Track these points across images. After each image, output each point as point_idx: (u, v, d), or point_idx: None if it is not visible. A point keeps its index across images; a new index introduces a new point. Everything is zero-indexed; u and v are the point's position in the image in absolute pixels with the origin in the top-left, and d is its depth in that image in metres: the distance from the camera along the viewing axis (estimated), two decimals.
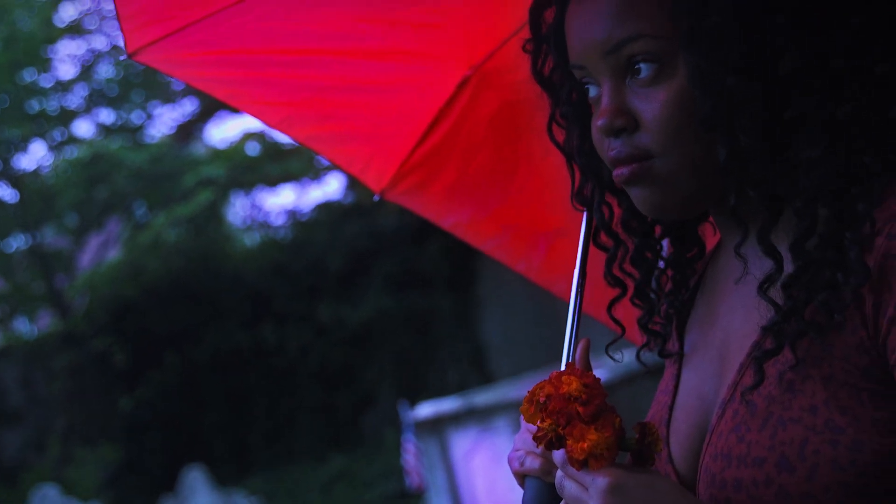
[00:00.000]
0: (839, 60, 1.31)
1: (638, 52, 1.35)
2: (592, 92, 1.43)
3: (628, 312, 1.82)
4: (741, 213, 1.36)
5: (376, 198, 2.37)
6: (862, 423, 1.24)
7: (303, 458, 13.61)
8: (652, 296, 1.61)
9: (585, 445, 1.27)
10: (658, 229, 1.60)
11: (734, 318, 1.43)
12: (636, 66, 1.36)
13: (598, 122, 1.39)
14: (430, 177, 2.31)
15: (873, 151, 1.30)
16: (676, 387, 1.52)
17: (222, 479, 12.67)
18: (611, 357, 1.72)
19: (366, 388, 13.88)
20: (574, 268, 2.24)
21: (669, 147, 1.35)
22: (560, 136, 1.61)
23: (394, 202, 2.39)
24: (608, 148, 1.40)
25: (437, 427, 7.71)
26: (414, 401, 9.44)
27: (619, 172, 1.39)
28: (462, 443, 7.54)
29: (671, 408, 1.50)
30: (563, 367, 1.49)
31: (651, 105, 1.35)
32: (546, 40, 1.53)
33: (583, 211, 1.64)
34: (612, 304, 1.64)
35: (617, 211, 1.59)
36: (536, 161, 2.24)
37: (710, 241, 1.64)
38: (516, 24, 2.00)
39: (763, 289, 1.32)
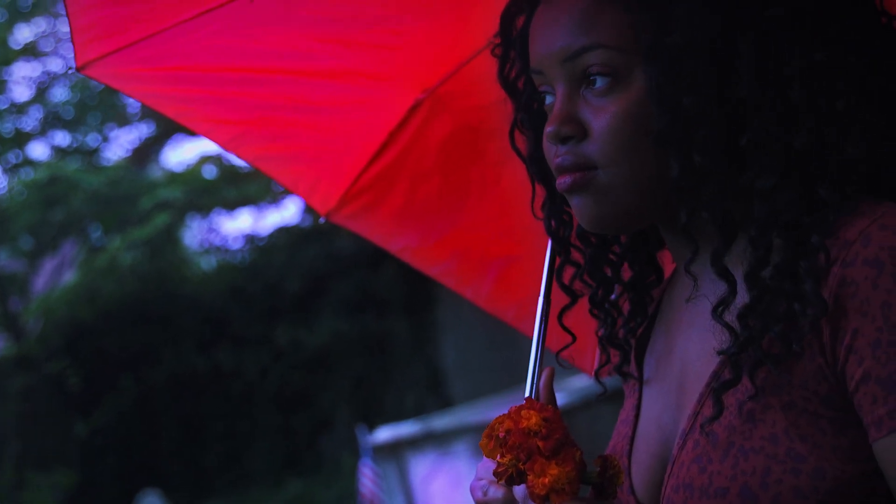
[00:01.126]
0: (798, 92, 1.32)
1: (594, 63, 1.36)
2: (548, 100, 1.43)
3: (583, 345, 1.82)
4: (692, 232, 1.36)
5: (322, 220, 2.35)
6: (823, 451, 1.25)
7: (260, 482, 13.48)
8: (610, 310, 1.61)
9: (546, 480, 1.28)
10: (616, 248, 1.60)
11: (690, 345, 1.44)
12: (591, 77, 1.37)
13: (547, 129, 1.39)
14: (378, 200, 2.29)
15: (828, 183, 1.31)
16: (637, 417, 1.52)
17: (179, 503, 12.54)
18: (560, 364, 1.70)
19: (323, 412, 13.79)
20: (526, 295, 2.25)
21: (614, 159, 1.35)
22: (522, 144, 1.61)
23: (340, 225, 2.37)
24: (554, 155, 1.40)
25: (395, 451, 7.69)
26: (372, 424, 9.40)
27: (562, 181, 1.39)
28: (421, 467, 7.53)
29: (632, 438, 1.50)
30: (527, 395, 1.50)
31: (602, 116, 1.36)
32: (513, 45, 1.54)
33: (541, 219, 1.64)
34: (563, 312, 1.63)
35: (575, 222, 1.59)
36: (488, 188, 2.23)
37: (669, 269, 1.65)
38: (472, 49, 2.00)
39: (717, 312, 1.33)
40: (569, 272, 1.62)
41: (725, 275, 1.33)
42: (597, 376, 1.68)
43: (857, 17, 1.38)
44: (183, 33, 1.85)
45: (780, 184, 1.31)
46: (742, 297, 1.34)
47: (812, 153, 1.32)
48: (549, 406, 1.36)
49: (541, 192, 1.61)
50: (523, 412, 1.33)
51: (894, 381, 1.21)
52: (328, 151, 2.28)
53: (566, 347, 1.66)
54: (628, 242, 1.61)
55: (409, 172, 2.26)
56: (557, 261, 1.63)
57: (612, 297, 1.62)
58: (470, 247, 2.36)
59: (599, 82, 1.36)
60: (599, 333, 1.63)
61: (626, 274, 1.63)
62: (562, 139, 1.38)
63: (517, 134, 1.62)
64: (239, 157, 2.27)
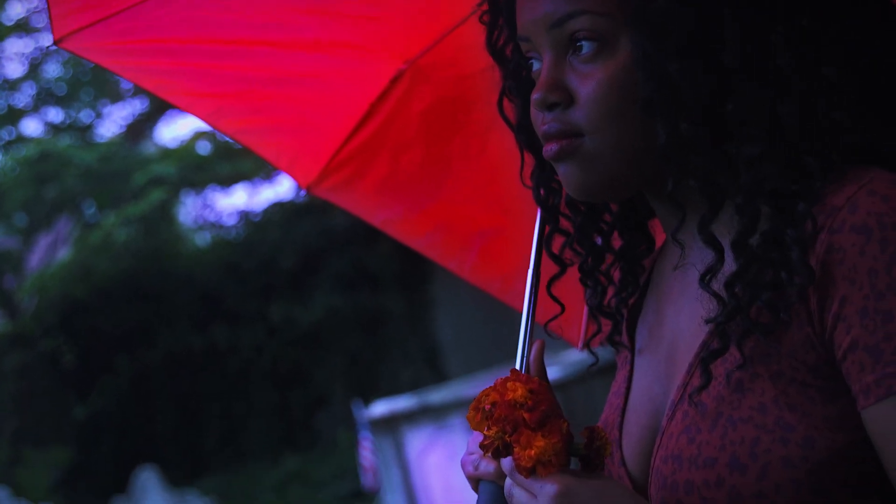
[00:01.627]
0: (785, 59, 1.31)
1: (580, 28, 1.34)
2: (535, 66, 1.42)
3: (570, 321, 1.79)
4: (679, 199, 1.35)
5: (302, 193, 2.35)
6: (812, 420, 1.24)
7: (256, 459, 13.55)
8: (600, 279, 1.59)
9: (532, 452, 1.26)
10: (607, 217, 1.58)
11: (681, 316, 1.43)
12: (578, 43, 1.35)
13: (533, 96, 1.37)
14: (360, 172, 2.27)
15: (815, 152, 1.30)
16: (628, 388, 1.51)
17: (175, 480, 12.59)
18: (549, 334, 1.69)
19: (319, 388, 13.84)
20: (511, 267, 2.23)
21: (601, 126, 1.34)
22: (511, 112, 1.59)
23: (321, 198, 2.35)
24: (541, 122, 1.39)
25: (391, 425, 7.71)
26: (367, 400, 9.43)
27: (549, 148, 1.37)
28: (417, 441, 7.54)
29: (623, 410, 1.49)
30: (516, 367, 1.49)
31: (588, 82, 1.34)
32: (501, 12, 1.52)
33: (530, 188, 1.61)
34: (552, 281, 1.61)
35: (564, 191, 1.56)
36: (472, 159, 2.21)
37: (661, 239, 1.63)
38: (455, 19, 1.98)
39: (705, 280, 1.32)
40: (558, 242, 1.61)
41: (713, 242, 1.32)
42: (587, 346, 1.66)
43: None
44: (161, 5, 1.82)
45: (767, 152, 1.30)
46: (730, 266, 1.33)
47: (798, 121, 1.30)
48: (535, 378, 1.34)
49: (529, 160, 1.59)
50: (509, 384, 1.31)
51: (882, 349, 1.20)
52: (309, 124, 2.26)
53: (554, 318, 1.64)
54: (619, 211, 1.59)
55: (391, 144, 2.23)
56: (546, 230, 1.61)
57: (603, 267, 1.60)
58: (454, 218, 2.33)
59: (586, 48, 1.34)
60: (589, 302, 1.61)
61: (617, 243, 1.62)
62: (548, 106, 1.36)
63: (505, 102, 1.60)
64: (219, 130, 2.26)
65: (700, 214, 1.34)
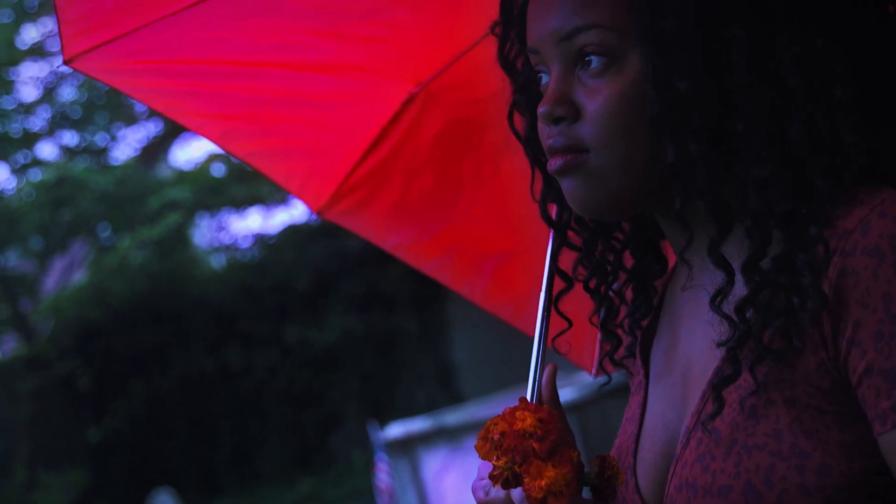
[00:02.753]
0: (794, 78, 1.30)
1: (589, 43, 1.33)
2: (544, 80, 1.41)
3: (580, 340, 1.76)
4: (686, 219, 1.33)
5: (314, 217, 2.34)
6: (828, 447, 1.23)
7: (271, 481, 13.50)
8: (610, 298, 1.58)
9: (543, 483, 1.25)
10: (619, 235, 1.57)
11: (693, 339, 1.42)
12: (587, 57, 1.34)
13: (540, 109, 1.36)
14: (371, 196, 2.26)
15: (825, 172, 1.28)
16: (643, 414, 1.49)
17: (190, 502, 12.55)
18: (557, 351, 1.67)
19: (333, 409, 13.80)
20: (523, 291, 2.21)
21: (607, 142, 1.32)
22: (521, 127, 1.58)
23: (332, 222, 2.33)
24: (546, 136, 1.38)
25: (407, 447, 7.69)
26: (382, 421, 9.40)
27: (553, 162, 1.36)
28: (432, 463, 7.52)
29: (637, 436, 1.47)
30: (528, 392, 1.47)
31: (596, 98, 1.33)
32: (513, 24, 1.51)
33: (539, 203, 1.60)
34: (559, 297, 1.60)
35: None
36: (484, 182, 2.20)
37: (673, 260, 1.61)
38: (466, 42, 1.98)
39: (716, 303, 1.30)
40: (568, 260, 1.60)
41: (723, 264, 1.30)
42: (601, 366, 1.64)
43: (857, 3, 1.36)
44: (172, 26, 1.82)
45: (776, 173, 1.28)
46: (740, 289, 1.32)
47: (808, 141, 1.29)
48: (544, 406, 1.32)
49: (537, 176, 1.58)
50: (517, 413, 1.30)
51: None
52: (320, 147, 2.24)
53: (562, 333, 1.63)
54: (630, 230, 1.58)
55: (403, 168, 2.22)
56: (559, 250, 1.60)
57: (614, 286, 1.59)
58: (466, 242, 2.32)
59: (594, 63, 1.34)
60: (595, 320, 1.60)
61: (629, 263, 1.60)
62: (554, 120, 1.35)
63: (516, 117, 1.59)
64: (230, 153, 2.24)
65: (709, 235, 1.33)
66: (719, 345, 1.31)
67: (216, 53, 1.98)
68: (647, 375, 1.52)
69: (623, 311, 1.60)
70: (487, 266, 2.32)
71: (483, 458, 1.32)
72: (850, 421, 1.23)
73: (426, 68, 2.07)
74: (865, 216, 1.23)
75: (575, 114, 1.35)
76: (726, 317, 1.30)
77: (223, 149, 2.21)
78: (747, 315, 1.29)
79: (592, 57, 1.34)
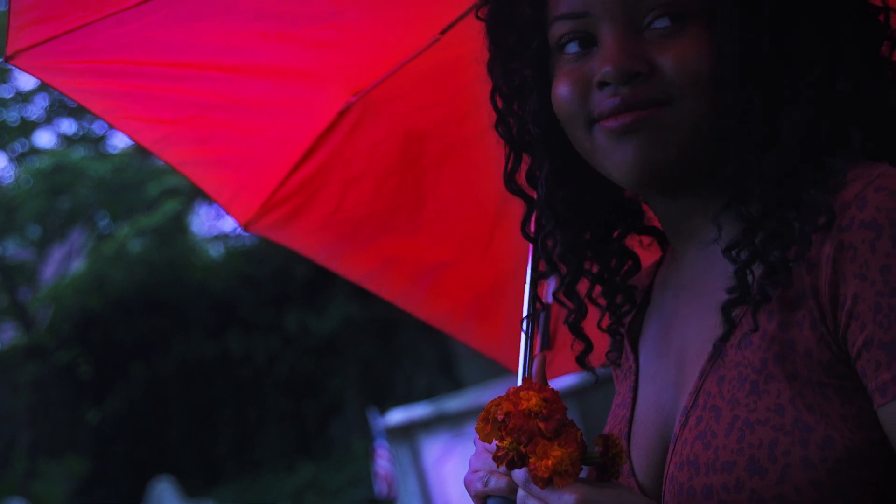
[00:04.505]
0: (848, 41, 1.33)
1: (666, 2, 1.33)
2: (571, 48, 1.39)
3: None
4: (735, 181, 1.34)
5: (240, 231, 2.27)
6: (831, 420, 1.23)
7: (271, 468, 13.53)
8: (585, 299, 1.58)
9: (549, 462, 1.24)
10: (588, 236, 1.56)
11: (690, 326, 1.42)
12: (654, 16, 1.34)
13: (605, 68, 1.33)
14: (302, 208, 2.23)
15: (856, 129, 1.31)
16: (634, 399, 1.49)
17: (190, 490, 12.57)
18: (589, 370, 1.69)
19: (333, 397, 13.83)
20: (460, 302, 2.18)
21: (692, 93, 1.32)
22: (504, 116, 1.54)
23: (259, 235, 2.30)
24: (602, 99, 1.35)
25: (408, 433, 7.70)
26: (382, 408, 9.41)
27: (621, 120, 1.34)
28: (433, 449, 7.53)
29: (630, 420, 1.48)
30: (520, 382, 1.47)
31: (670, 52, 1.32)
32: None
33: (515, 194, 1.58)
34: (536, 281, 1.61)
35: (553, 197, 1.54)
36: (424, 192, 2.18)
37: (646, 259, 1.63)
38: (411, 51, 1.95)
39: (731, 253, 1.32)
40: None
41: (748, 216, 1.33)
42: (582, 364, 1.63)
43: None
44: (118, 24, 1.77)
45: (812, 126, 1.32)
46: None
47: (853, 100, 1.32)
48: (548, 387, 1.32)
49: (495, 164, 1.56)
50: (522, 393, 1.29)
51: None
52: (253, 156, 2.20)
53: (586, 354, 1.63)
54: (598, 232, 1.57)
55: (338, 179, 2.19)
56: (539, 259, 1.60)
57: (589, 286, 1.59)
58: (403, 253, 2.29)
59: (664, 21, 1.33)
60: (570, 320, 1.59)
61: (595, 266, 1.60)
62: (629, 76, 1.33)
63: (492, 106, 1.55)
64: (164, 160, 2.18)
65: (739, 193, 1.34)
66: (728, 290, 1.31)
67: (160, 54, 1.93)
68: (636, 361, 1.52)
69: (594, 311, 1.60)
70: (424, 277, 2.30)
71: (482, 440, 1.31)
72: (850, 393, 1.24)
73: (367, 77, 2.04)
74: (861, 191, 1.24)
75: (649, 69, 1.33)
76: (734, 259, 1.31)
77: (158, 155, 2.15)
78: (756, 239, 1.31)
79: (660, 16, 1.34)
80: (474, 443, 1.45)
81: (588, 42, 1.38)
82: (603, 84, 1.34)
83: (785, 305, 1.27)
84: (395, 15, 1.91)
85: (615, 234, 1.59)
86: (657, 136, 1.33)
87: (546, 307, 1.71)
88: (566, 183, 1.51)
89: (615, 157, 1.36)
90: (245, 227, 2.25)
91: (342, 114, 2.10)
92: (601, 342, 1.62)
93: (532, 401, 1.28)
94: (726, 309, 1.31)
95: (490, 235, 2.21)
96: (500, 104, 1.53)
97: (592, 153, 1.39)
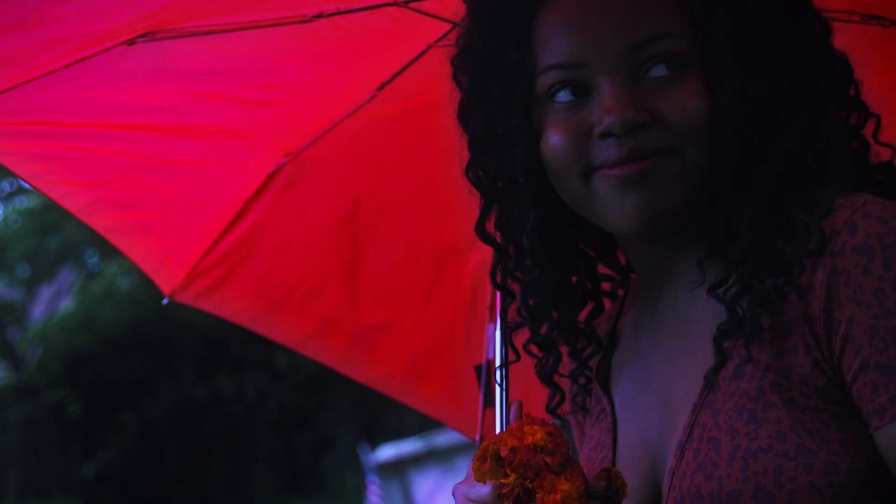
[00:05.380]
0: (829, 82, 1.38)
1: (663, 50, 1.34)
2: (562, 97, 1.38)
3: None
4: (732, 216, 1.35)
5: (165, 301, 2.21)
6: (831, 445, 1.23)
7: None
8: (552, 344, 1.57)
9: (558, 497, 1.23)
10: (559, 282, 1.54)
11: (672, 364, 1.42)
12: (654, 65, 1.34)
13: (607, 119, 1.33)
14: (231, 274, 2.19)
15: (844, 159, 1.35)
16: (615, 440, 1.48)
17: None
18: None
19: (324, 432, 13.77)
20: (399, 364, 2.17)
21: (695, 140, 1.33)
22: (481, 160, 1.51)
23: (187, 304, 2.24)
24: (604, 150, 1.34)
25: (398, 469, 7.68)
26: (374, 443, 9.38)
27: (626, 171, 1.33)
28: (424, 484, 7.51)
29: (613, 462, 1.47)
30: (497, 431, 1.46)
31: (672, 100, 1.33)
32: (503, 42, 1.44)
33: (486, 242, 1.57)
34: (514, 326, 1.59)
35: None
36: (359, 253, 2.15)
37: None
38: (345, 110, 1.93)
39: (716, 292, 1.32)
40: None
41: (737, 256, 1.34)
42: (551, 412, 1.62)
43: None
44: (53, 84, 1.73)
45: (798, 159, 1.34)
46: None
47: (839, 134, 1.37)
48: (549, 421, 1.32)
49: (466, 214, 1.56)
50: (526, 428, 1.28)
51: (894, 368, 1.19)
52: (181, 221, 2.16)
53: (558, 405, 1.63)
54: (567, 278, 1.57)
55: (269, 242, 2.15)
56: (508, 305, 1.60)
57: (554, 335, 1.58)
58: (339, 315, 2.26)
59: (663, 70, 1.34)
60: (545, 372, 1.59)
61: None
62: (633, 127, 1.33)
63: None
64: (91, 226, 2.13)
65: (696, 257, 1.37)
66: (720, 325, 1.32)
67: (90, 115, 1.89)
68: (611, 403, 1.51)
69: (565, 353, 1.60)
70: (362, 339, 2.27)
71: (480, 480, 1.29)
72: (846, 419, 1.24)
73: (299, 136, 2.02)
74: (849, 217, 1.25)
75: (651, 119, 1.33)
76: (721, 299, 1.32)
77: (85, 221, 2.09)
78: (744, 271, 1.32)
79: (657, 65, 1.34)
80: (467, 483, 1.42)
81: (581, 90, 1.37)
82: (605, 135, 1.34)
83: (776, 334, 1.27)
84: (333, 71, 1.88)
85: (575, 279, 1.59)
86: (662, 185, 1.33)
87: (488, 363, 1.70)
88: (545, 232, 1.49)
89: (618, 206, 1.35)
90: (171, 297, 2.21)
91: (272, 176, 2.06)
92: (538, 388, 1.62)
93: (537, 435, 1.27)
94: (718, 340, 1.31)
95: (428, 293, 2.18)
96: (474, 152, 1.51)
97: (588, 202, 1.38)
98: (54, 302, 15.53)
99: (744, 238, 1.32)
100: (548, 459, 1.26)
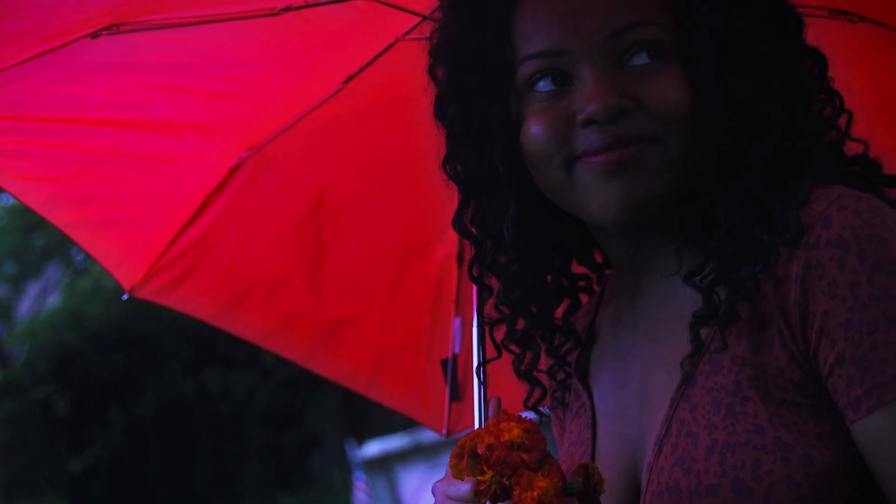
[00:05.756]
0: (809, 76, 1.39)
1: (644, 38, 1.33)
2: (543, 86, 1.37)
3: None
4: (714, 212, 1.34)
5: (125, 297, 2.19)
6: (808, 438, 1.24)
7: (252, 502, 13.43)
8: (531, 340, 1.57)
9: (535, 494, 1.23)
10: (529, 276, 1.53)
11: (649, 358, 1.42)
12: (634, 52, 1.34)
13: (590, 107, 1.32)
14: (193, 269, 2.17)
15: (825, 152, 1.35)
16: (594, 435, 1.48)
17: None
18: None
19: (312, 429, 13.75)
20: (363, 361, 2.16)
21: (678, 129, 1.32)
22: (459, 156, 1.50)
23: (147, 299, 2.22)
24: (587, 137, 1.33)
25: (385, 465, 7.68)
26: (361, 439, 9.38)
27: (609, 158, 1.32)
28: (410, 480, 7.51)
29: (592, 457, 1.47)
30: (476, 427, 1.45)
31: (654, 87, 1.33)
32: (482, 33, 1.43)
33: (464, 236, 1.55)
34: (509, 333, 1.58)
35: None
36: (323, 247, 2.13)
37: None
38: (309, 104, 1.92)
39: (692, 280, 1.33)
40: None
41: (716, 248, 1.34)
42: (530, 407, 1.62)
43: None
44: (15, 78, 1.70)
45: (779, 153, 1.34)
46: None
47: (817, 128, 1.37)
48: (527, 418, 1.31)
49: (443, 203, 1.56)
50: (503, 425, 1.27)
51: (869, 360, 1.20)
52: (142, 216, 2.13)
53: (539, 400, 1.63)
54: (543, 271, 1.56)
55: (230, 236, 2.14)
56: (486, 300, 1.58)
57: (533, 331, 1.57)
58: (303, 310, 2.24)
59: (644, 58, 1.33)
60: (522, 368, 1.58)
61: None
62: (616, 114, 1.32)
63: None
64: (52, 221, 2.11)
65: (673, 248, 1.37)
66: (695, 313, 1.32)
67: (54, 110, 1.87)
68: (590, 398, 1.51)
69: (543, 349, 1.59)
70: (326, 335, 2.25)
71: (456, 477, 1.28)
72: (822, 412, 1.24)
73: (262, 131, 2.00)
74: (825, 210, 1.25)
75: (634, 105, 1.33)
76: (698, 287, 1.32)
77: (45, 217, 2.08)
78: (718, 259, 1.33)
79: (642, 53, 1.34)
80: (446, 480, 1.41)
81: (562, 79, 1.36)
82: (588, 122, 1.33)
83: (753, 326, 1.27)
84: (301, 64, 1.86)
85: (552, 275, 1.57)
86: (645, 172, 1.33)
87: (454, 357, 1.70)
88: (525, 224, 1.48)
89: (600, 195, 1.34)
90: (131, 293, 2.18)
91: (234, 170, 2.04)
92: (514, 384, 1.61)
93: (514, 432, 1.26)
94: (694, 327, 1.31)
95: (393, 288, 2.16)
96: (452, 146, 1.50)
97: (569, 191, 1.37)
98: (41, 299, 15.49)
99: (721, 227, 1.32)
100: (525, 456, 1.25)
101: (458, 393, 1.73)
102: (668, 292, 1.41)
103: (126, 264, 2.17)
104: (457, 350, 1.60)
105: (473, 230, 1.53)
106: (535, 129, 1.37)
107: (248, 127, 1.98)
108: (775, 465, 1.24)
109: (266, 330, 2.29)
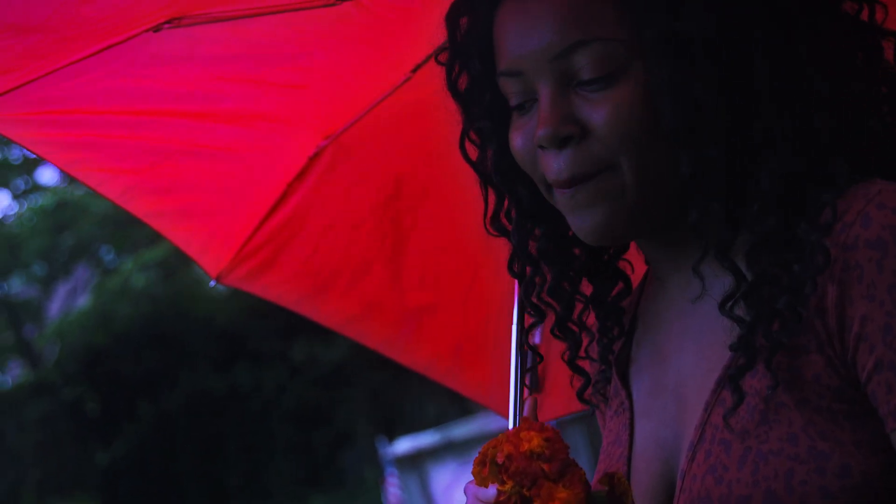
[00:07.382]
0: (819, 79, 1.27)
1: (590, 58, 1.27)
2: (516, 101, 1.35)
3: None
4: (702, 229, 1.29)
5: (213, 283, 2.22)
6: (845, 447, 1.19)
7: (282, 499, 13.51)
8: (575, 330, 1.54)
9: None
10: (576, 263, 1.52)
11: (685, 358, 1.38)
12: (585, 73, 1.28)
13: (539, 133, 1.29)
14: (275, 257, 2.19)
15: (839, 161, 1.26)
16: (631, 436, 1.44)
17: None
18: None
19: (343, 426, 13.81)
20: (442, 347, 2.14)
21: (624, 154, 1.27)
22: (474, 154, 1.50)
23: (232, 286, 2.25)
24: (548, 164, 1.31)
25: (416, 462, 7.68)
26: (392, 436, 9.38)
27: (569, 195, 1.31)
28: (442, 477, 7.50)
29: (629, 459, 1.43)
30: (510, 426, 1.42)
31: (601, 110, 1.27)
32: (467, 48, 1.43)
33: (497, 236, 1.54)
34: (530, 329, 1.58)
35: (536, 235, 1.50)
36: (403, 235, 2.14)
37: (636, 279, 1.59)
38: (381, 92, 1.92)
39: (726, 308, 1.27)
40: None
41: (733, 267, 1.27)
42: (582, 398, 1.59)
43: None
44: (79, 73, 1.72)
45: (789, 162, 1.26)
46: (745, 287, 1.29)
47: (830, 133, 1.27)
48: (548, 426, 1.27)
49: (481, 206, 1.50)
50: (523, 434, 1.24)
51: None
52: (222, 206, 2.15)
53: (587, 387, 1.59)
54: (587, 255, 1.53)
55: (312, 225, 2.15)
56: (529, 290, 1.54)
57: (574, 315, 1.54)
58: (384, 298, 2.24)
59: (593, 77, 1.28)
60: (566, 357, 1.55)
61: (588, 289, 1.55)
62: (560, 141, 1.29)
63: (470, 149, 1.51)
64: (131, 212, 2.13)
65: (714, 243, 1.29)
66: (731, 348, 1.27)
67: (122, 103, 1.89)
68: (629, 397, 1.47)
69: (585, 342, 1.56)
70: (406, 322, 2.25)
71: (480, 484, 1.25)
72: (861, 419, 1.20)
73: (337, 119, 2.00)
74: (863, 208, 1.20)
75: (580, 132, 1.29)
76: (739, 319, 1.26)
77: (124, 207, 2.10)
78: (755, 303, 1.25)
79: (591, 71, 1.28)
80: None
81: (531, 97, 1.34)
82: (541, 147, 1.31)
83: (791, 309, 1.23)
84: (365, 54, 1.86)
85: (606, 257, 1.55)
86: (605, 203, 1.30)
87: (533, 348, 1.67)
88: (545, 217, 1.45)
89: (574, 222, 1.34)
90: (217, 280, 2.20)
91: (313, 158, 2.06)
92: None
93: (534, 441, 1.23)
94: (734, 378, 1.26)
95: (472, 276, 2.17)
96: (470, 148, 1.50)
97: (556, 206, 1.37)
98: (70, 299, 15.60)
99: (750, 264, 1.27)
100: (545, 467, 1.22)
101: (539, 385, 1.71)
102: (696, 293, 1.36)
103: (210, 252, 2.20)
104: (537, 340, 1.57)
105: (509, 226, 1.50)
106: (514, 144, 1.36)
107: (321, 116, 1.99)
108: (809, 475, 1.19)
109: (347, 317, 2.31)
